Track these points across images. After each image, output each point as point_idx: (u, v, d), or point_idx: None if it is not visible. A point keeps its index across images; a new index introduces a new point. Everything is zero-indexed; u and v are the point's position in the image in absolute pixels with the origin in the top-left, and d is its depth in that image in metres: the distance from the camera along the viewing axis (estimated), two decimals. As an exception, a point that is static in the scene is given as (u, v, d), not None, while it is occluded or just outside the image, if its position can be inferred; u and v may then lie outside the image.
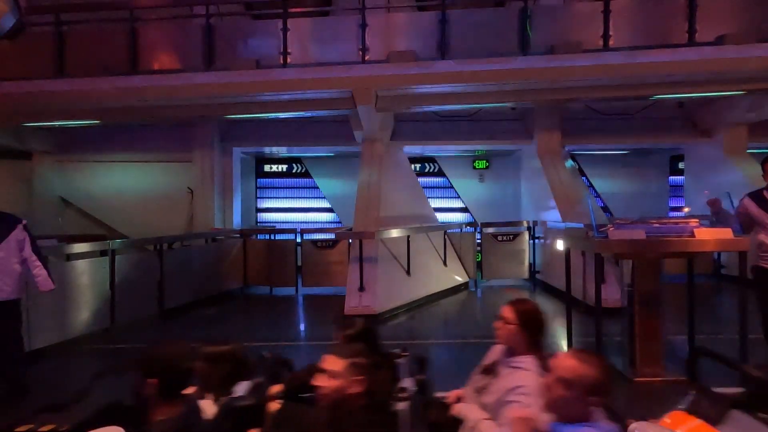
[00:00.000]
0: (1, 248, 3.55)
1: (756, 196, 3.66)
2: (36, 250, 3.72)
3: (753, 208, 3.60)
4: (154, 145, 8.83)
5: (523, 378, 1.85)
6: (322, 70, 6.16)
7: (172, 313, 6.42)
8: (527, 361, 1.93)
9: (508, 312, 2.07)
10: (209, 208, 8.68)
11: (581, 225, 6.19)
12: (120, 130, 8.68)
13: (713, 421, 1.61)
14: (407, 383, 2.05)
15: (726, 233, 3.42)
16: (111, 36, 6.98)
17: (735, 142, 8.42)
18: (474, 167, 10.46)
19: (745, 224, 3.64)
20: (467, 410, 1.96)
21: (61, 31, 6.84)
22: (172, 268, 6.54)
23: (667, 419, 1.66)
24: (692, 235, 3.46)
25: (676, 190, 10.29)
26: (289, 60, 6.50)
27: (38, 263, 3.70)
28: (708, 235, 3.43)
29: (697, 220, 3.63)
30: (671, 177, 10.45)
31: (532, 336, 1.98)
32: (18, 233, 3.63)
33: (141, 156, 8.96)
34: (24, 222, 3.71)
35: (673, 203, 10.32)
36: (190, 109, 6.87)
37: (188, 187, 8.85)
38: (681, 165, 10.20)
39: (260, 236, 8.85)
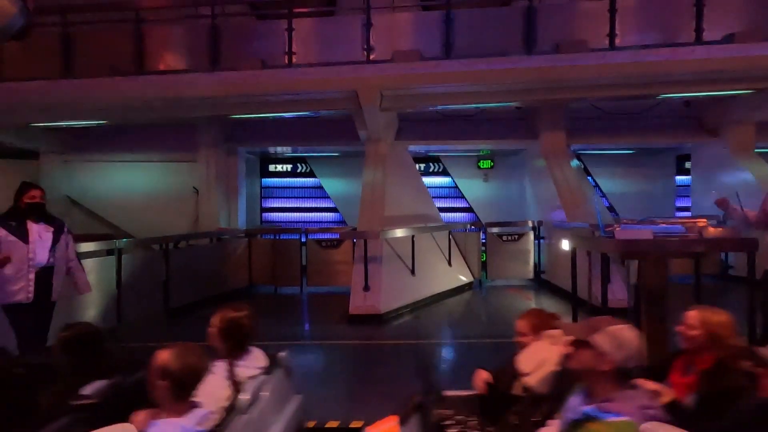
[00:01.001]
0: (58, 249, 3.58)
1: None
2: (76, 253, 3.84)
3: None
4: (159, 145, 8.86)
5: None
6: (327, 70, 6.16)
7: (177, 312, 6.45)
8: None
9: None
10: (214, 208, 8.71)
11: (587, 225, 6.18)
12: (126, 130, 8.73)
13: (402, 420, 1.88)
14: None
15: (734, 233, 3.39)
16: (117, 37, 7.02)
17: (742, 141, 8.34)
18: (478, 167, 10.42)
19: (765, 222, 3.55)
20: None
21: (67, 32, 6.89)
22: (177, 268, 6.57)
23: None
24: (700, 235, 3.43)
25: (683, 190, 10.20)
26: (294, 60, 6.52)
27: (80, 267, 3.83)
28: (716, 235, 3.40)
29: (705, 220, 3.60)
30: (678, 177, 10.35)
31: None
32: (66, 236, 3.68)
33: (147, 156, 9.00)
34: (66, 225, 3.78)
35: (679, 203, 10.23)
36: (196, 109, 6.90)
37: (194, 187, 8.88)
38: (687, 165, 10.10)
39: (265, 236, 8.90)
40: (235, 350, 2.23)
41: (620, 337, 1.64)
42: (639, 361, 1.70)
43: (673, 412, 1.64)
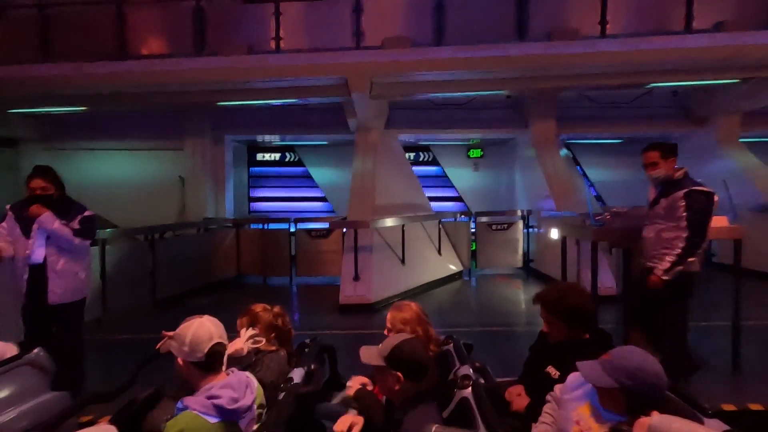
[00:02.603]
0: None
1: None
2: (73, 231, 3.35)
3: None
4: (144, 132, 8.65)
5: None
6: (316, 56, 6.04)
7: (164, 302, 6.35)
8: None
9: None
10: (201, 197, 8.56)
11: (575, 214, 6.21)
12: (109, 118, 8.49)
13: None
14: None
15: (723, 221, 3.42)
16: (98, 19, 6.76)
17: (728, 130, 8.45)
18: (468, 156, 10.42)
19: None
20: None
21: (45, 14, 6.62)
22: (163, 258, 6.46)
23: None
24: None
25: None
26: (281, 45, 6.37)
27: (61, 232, 3.23)
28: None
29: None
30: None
31: None
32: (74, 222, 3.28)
33: (131, 144, 8.78)
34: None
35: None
36: (180, 96, 6.72)
37: (180, 176, 8.71)
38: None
39: (253, 225, 8.79)
40: None
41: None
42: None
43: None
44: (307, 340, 2.65)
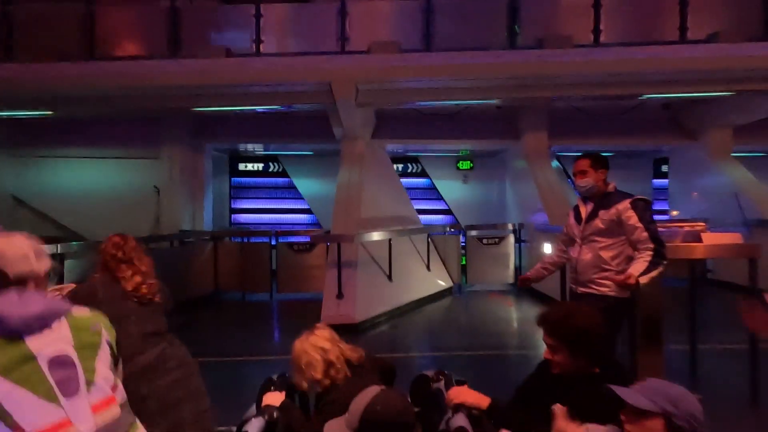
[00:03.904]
0: None
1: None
2: None
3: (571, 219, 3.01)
4: (117, 140, 8.20)
5: None
6: (298, 61, 5.73)
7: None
8: None
9: None
10: (177, 208, 8.10)
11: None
12: (80, 123, 8.03)
13: None
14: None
15: (736, 238, 3.14)
16: (65, 17, 6.36)
17: (720, 144, 8.35)
18: (458, 168, 10.18)
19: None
20: None
21: (7, 11, 6.20)
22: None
23: None
24: (698, 239, 3.17)
25: (659, 193, 10.24)
26: (262, 49, 6.05)
27: None
28: (716, 240, 3.15)
29: (703, 224, 3.35)
30: (654, 180, 10.40)
31: None
32: None
33: (103, 152, 8.32)
34: None
35: (656, 207, 10.27)
36: (154, 101, 6.33)
37: (155, 186, 8.25)
38: (664, 168, 10.17)
39: (234, 238, 8.37)
40: None
41: None
42: None
43: None
44: (274, 376, 2.22)
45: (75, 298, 2.07)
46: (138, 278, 2.28)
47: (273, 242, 7.83)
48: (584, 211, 2.82)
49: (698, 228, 3.32)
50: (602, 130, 8.68)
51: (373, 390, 1.54)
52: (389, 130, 8.44)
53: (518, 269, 8.17)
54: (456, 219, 9.95)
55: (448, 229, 8.53)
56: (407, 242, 7.43)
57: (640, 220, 2.60)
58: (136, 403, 1.33)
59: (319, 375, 1.89)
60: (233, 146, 9.40)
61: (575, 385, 1.68)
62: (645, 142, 8.99)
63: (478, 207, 9.93)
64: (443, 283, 7.69)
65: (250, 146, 9.32)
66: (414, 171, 10.31)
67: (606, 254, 2.68)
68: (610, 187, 2.79)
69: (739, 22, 6.09)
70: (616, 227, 2.66)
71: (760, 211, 7.24)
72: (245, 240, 8.15)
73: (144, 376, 2.14)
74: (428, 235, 7.82)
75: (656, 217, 9.12)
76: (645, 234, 2.58)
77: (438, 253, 8.12)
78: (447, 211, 10.28)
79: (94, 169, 8.41)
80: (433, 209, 10.26)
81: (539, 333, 1.91)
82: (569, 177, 10.08)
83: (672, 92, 6.49)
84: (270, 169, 10.34)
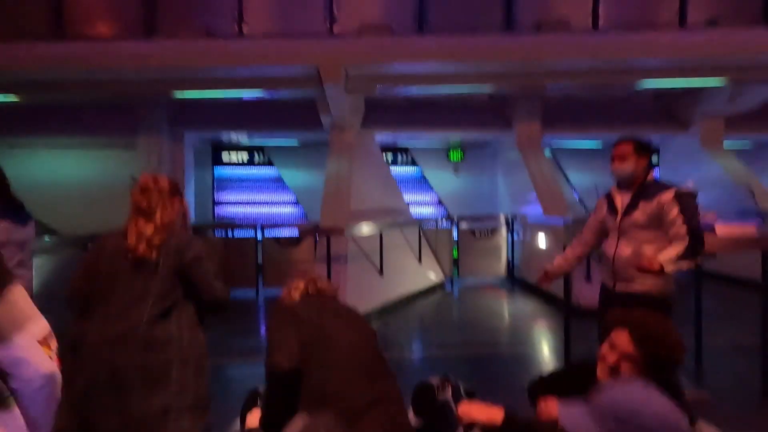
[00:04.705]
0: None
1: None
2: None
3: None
4: (91, 128, 7.76)
5: None
6: (283, 43, 5.39)
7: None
8: None
9: None
10: (155, 202, 7.70)
11: (570, 220, 5.77)
12: (49, 111, 7.55)
13: None
14: None
15: (750, 230, 2.97)
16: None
17: (711, 134, 8.30)
18: (449, 159, 9.95)
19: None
20: None
21: (-37, -14, 5.73)
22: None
23: None
24: (713, 231, 2.99)
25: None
26: (245, 30, 5.68)
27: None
28: (731, 232, 2.97)
29: (714, 214, 3.16)
30: (645, 171, 10.37)
31: None
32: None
33: (76, 141, 7.87)
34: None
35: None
36: (129, 85, 5.92)
37: (131, 177, 7.81)
38: (653, 159, 10.15)
39: (217, 232, 8.02)
40: None
41: None
42: None
43: None
44: (260, 387, 1.94)
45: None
46: (143, 231, 1.90)
47: (259, 236, 7.52)
48: (620, 201, 2.59)
49: (708, 218, 3.14)
50: (595, 120, 8.55)
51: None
52: (379, 119, 8.15)
53: (510, 262, 8.02)
54: (447, 211, 9.75)
55: (440, 221, 8.32)
56: (398, 235, 7.19)
57: (682, 213, 2.39)
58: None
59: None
60: (216, 136, 9.00)
61: None
62: (637, 132, 8.86)
63: (470, 198, 9.74)
64: (435, 278, 7.49)
65: (233, 136, 8.93)
66: (404, 161, 10.06)
67: (649, 250, 2.46)
68: (650, 177, 2.56)
69: (737, 6, 5.93)
70: (658, 220, 2.45)
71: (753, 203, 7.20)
72: (229, 234, 7.81)
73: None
74: (420, 228, 7.60)
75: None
76: (684, 229, 2.37)
77: (429, 246, 7.91)
78: (438, 203, 10.08)
79: (66, 160, 7.96)
80: (424, 201, 10.05)
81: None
82: (559, 167, 9.98)
83: (668, 79, 6.33)
84: (255, 160, 9.96)
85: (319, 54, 5.34)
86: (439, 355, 4.53)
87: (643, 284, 2.46)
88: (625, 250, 2.53)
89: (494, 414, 1.58)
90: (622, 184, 2.60)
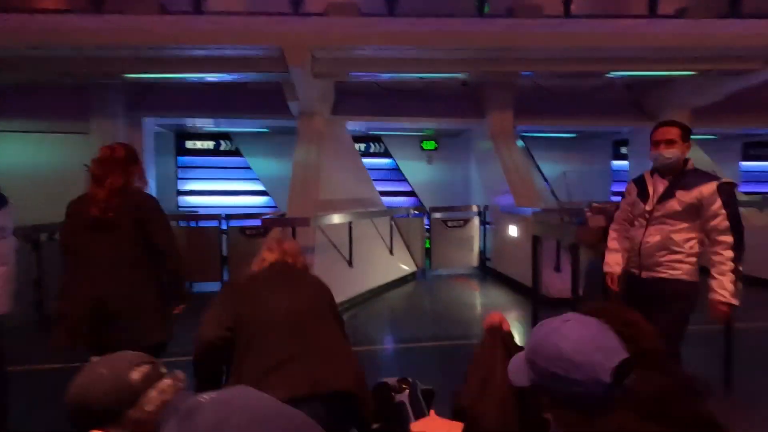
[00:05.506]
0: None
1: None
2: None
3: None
4: (39, 111, 7.20)
5: None
6: (245, 21, 5.07)
7: (54, 320, 5.13)
8: None
9: None
10: (112, 190, 7.24)
11: (540, 210, 5.72)
12: (-5, 92, 6.96)
13: None
14: None
15: None
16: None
17: (678, 126, 8.44)
18: (422, 148, 9.81)
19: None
20: None
21: None
22: (54, 264, 5.21)
23: None
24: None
25: (618, 175, 10.38)
26: (203, 7, 5.32)
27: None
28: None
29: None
30: (613, 162, 10.51)
31: None
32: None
33: (22, 125, 7.30)
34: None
35: (615, 188, 10.40)
36: (75, 65, 5.47)
37: (85, 164, 7.31)
38: (623, 150, 10.31)
39: (180, 223, 7.63)
40: None
41: None
42: None
43: None
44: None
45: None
46: (96, 194, 2.20)
47: (224, 227, 7.19)
48: (653, 187, 2.48)
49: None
50: (566, 110, 8.56)
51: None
52: (350, 106, 7.91)
53: (483, 252, 7.98)
54: (420, 201, 9.63)
55: (412, 211, 8.19)
56: (369, 225, 7.02)
57: (725, 206, 2.31)
58: None
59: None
60: (179, 121, 8.55)
61: None
62: (607, 122, 8.98)
63: (443, 188, 9.65)
64: (407, 268, 7.37)
65: (198, 122, 8.50)
66: (377, 151, 9.86)
67: (678, 237, 2.39)
68: (690, 165, 2.46)
69: (707, -3, 5.97)
70: (695, 211, 2.36)
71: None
72: (193, 224, 7.44)
73: None
74: (391, 218, 7.44)
75: (613, 198, 9.11)
76: (726, 223, 2.29)
77: (401, 236, 7.78)
78: (411, 193, 9.95)
79: (12, 145, 7.38)
80: (397, 191, 9.89)
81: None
82: (531, 157, 10.01)
83: (640, 70, 6.35)
84: (221, 148, 9.57)
85: (283, 34, 5.03)
86: (410, 348, 4.42)
87: (672, 272, 2.39)
88: (654, 237, 2.45)
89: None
90: (662, 170, 2.48)
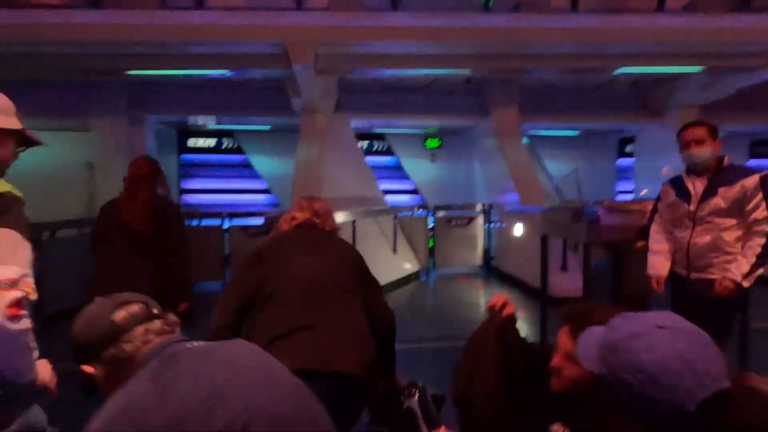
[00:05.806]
0: None
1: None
2: None
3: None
4: (40, 108, 7.11)
5: None
6: (247, 16, 4.99)
7: (55, 319, 5.07)
8: None
9: None
10: (113, 188, 7.18)
11: (546, 208, 5.63)
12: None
13: None
14: None
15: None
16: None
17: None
18: (425, 146, 9.73)
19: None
20: None
21: None
22: (56, 263, 5.17)
23: None
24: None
25: (623, 173, 10.27)
26: (204, 2, 5.25)
27: None
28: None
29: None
30: (619, 160, 10.42)
31: None
32: None
33: (23, 122, 7.22)
34: None
35: (620, 186, 10.31)
36: (74, 61, 5.41)
37: (87, 163, 7.29)
38: (629, 148, 10.20)
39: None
40: None
41: None
42: None
43: None
44: None
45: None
46: (129, 206, 2.64)
47: (225, 226, 7.14)
48: (693, 187, 2.46)
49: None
50: (571, 108, 8.47)
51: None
52: (353, 104, 7.83)
53: (487, 251, 7.90)
54: (423, 199, 9.56)
55: (415, 209, 8.12)
56: (372, 224, 6.95)
57: (765, 198, 2.30)
58: None
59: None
60: (181, 119, 8.49)
61: (583, 405, 1.26)
62: (613, 120, 8.88)
63: (447, 187, 9.58)
64: (410, 267, 7.30)
65: (200, 119, 8.44)
66: (380, 149, 9.79)
67: (729, 236, 2.36)
68: (726, 161, 2.46)
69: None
70: (739, 206, 2.34)
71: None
72: (195, 223, 7.39)
73: None
74: (395, 217, 7.37)
75: (620, 197, 8.95)
76: (766, 213, 2.27)
77: (405, 235, 7.71)
78: (414, 191, 9.88)
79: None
80: (400, 189, 9.82)
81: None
82: (538, 155, 9.91)
83: (647, 66, 6.25)
84: (224, 146, 9.51)
85: (286, 29, 4.96)
86: (413, 348, 4.35)
87: (724, 272, 2.35)
88: (704, 237, 2.41)
89: None
90: (697, 169, 2.46)
